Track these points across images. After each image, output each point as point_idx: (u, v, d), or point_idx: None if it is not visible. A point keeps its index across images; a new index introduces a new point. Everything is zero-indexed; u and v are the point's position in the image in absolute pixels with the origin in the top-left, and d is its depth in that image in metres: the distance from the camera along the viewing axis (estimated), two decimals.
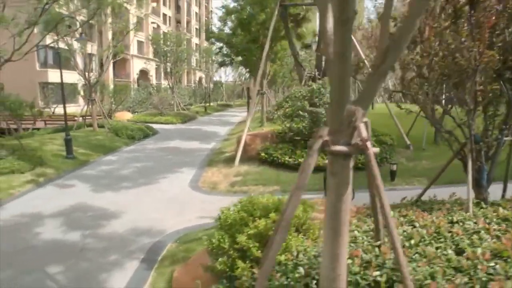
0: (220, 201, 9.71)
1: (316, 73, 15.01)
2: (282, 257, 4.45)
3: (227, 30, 23.36)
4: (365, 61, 15.43)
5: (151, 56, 55.65)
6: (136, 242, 7.12)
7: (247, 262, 4.44)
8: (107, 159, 15.47)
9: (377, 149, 3.55)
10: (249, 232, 4.66)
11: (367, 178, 4.03)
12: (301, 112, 12.32)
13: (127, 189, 11.00)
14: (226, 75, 66.12)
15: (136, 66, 52.99)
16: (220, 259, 4.61)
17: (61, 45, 20.06)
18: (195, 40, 75.37)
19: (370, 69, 5.85)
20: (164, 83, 51.89)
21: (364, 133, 3.53)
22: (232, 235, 4.77)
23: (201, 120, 35.03)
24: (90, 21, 18.50)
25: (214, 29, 24.04)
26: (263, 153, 12.60)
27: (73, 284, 5.58)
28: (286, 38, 16.65)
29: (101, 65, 22.30)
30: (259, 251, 4.51)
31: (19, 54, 12.65)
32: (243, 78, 76.24)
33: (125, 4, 19.49)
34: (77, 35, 18.82)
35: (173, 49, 35.62)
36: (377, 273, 3.75)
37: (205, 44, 75.51)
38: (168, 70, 36.35)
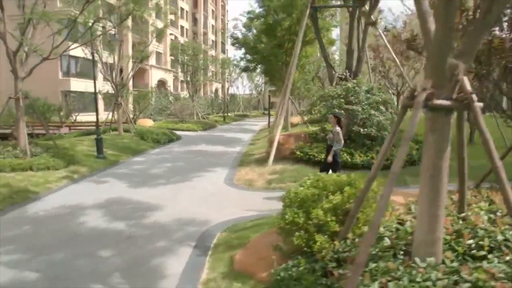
0: (259, 196, 9.57)
1: (347, 74, 14.77)
2: (365, 229, 4.24)
3: (250, 36, 23.36)
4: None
5: (168, 66, 56.52)
6: (183, 231, 6.92)
7: (325, 236, 4.22)
8: (137, 160, 15.40)
9: (481, 104, 3.33)
10: (324, 207, 4.43)
11: (457, 139, 3.81)
12: (337, 110, 12.07)
13: (163, 185, 10.86)
14: (243, 85, 66.12)
15: (154, 76, 53.51)
16: (296, 234, 4.39)
17: (85, 52, 20.32)
18: (211, 52, 76.16)
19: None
20: (182, 93, 52.36)
21: (468, 87, 3.31)
22: (305, 211, 4.55)
23: (221, 128, 34.99)
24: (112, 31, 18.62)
25: (239, 34, 24.01)
26: (298, 151, 12.37)
27: (129, 267, 5.38)
28: (317, 40, 16.49)
29: (121, 72, 22.39)
30: (336, 225, 4.29)
31: (55, 54, 12.71)
32: (260, 90, 76.72)
33: (145, 16, 19.62)
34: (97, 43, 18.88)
35: (193, 58, 35.95)
36: (471, 241, 3.54)
37: (221, 56, 76.65)
38: (188, 79, 36.58)
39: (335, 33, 36.22)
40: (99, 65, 20.48)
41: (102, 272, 5.19)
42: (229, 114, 52.92)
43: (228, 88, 53.26)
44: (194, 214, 7.98)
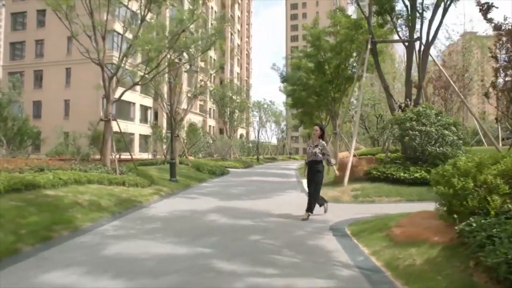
0: (353, 207, 9.93)
1: (408, 102, 15.41)
2: None
3: (300, 73, 24.53)
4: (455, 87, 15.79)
5: (197, 110, 58.51)
6: (310, 226, 7.28)
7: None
8: (206, 185, 15.96)
9: None
10: (492, 173, 4.86)
11: None
12: (410, 132, 12.59)
13: (252, 200, 11.31)
14: (272, 129, 67.27)
15: (185, 119, 55.14)
16: (470, 196, 4.78)
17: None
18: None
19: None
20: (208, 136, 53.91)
21: None
22: (473, 177, 4.98)
23: (259, 167, 35.57)
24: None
25: (283, 72, 25.30)
26: (374, 171, 12.77)
27: (289, 245, 5.78)
28: (377, 72, 17.31)
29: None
30: (506, 187, 4.69)
31: (143, 80, 13.77)
32: (284, 135, 78.11)
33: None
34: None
35: (231, 100, 37.42)
36: None
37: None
38: (227, 119, 37.82)
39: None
40: (160, 102, 21.54)
41: (267, 249, 5.60)
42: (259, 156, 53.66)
43: (259, 132, 54.51)
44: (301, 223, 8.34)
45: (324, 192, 12.47)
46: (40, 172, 9.94)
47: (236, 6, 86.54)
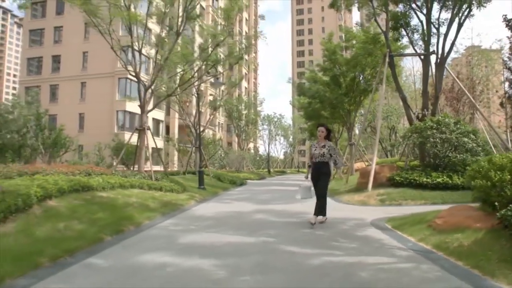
0: (383, 209, 10.48)
1: (425, 112, 16.07)
2: None
3: (315, 86, 25.35)
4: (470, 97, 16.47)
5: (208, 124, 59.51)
6: (351, 222, 7.91)
7: None
8: (232, 193, 16.60)
9: None
10: None
11: None
12: (431, 139, 13.24)
13: (284, 203, 11.91)
14: (281, 143, 67.95)
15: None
16: (508, 187, 5.41)
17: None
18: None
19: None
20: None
21: None
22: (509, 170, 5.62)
23: (272, 178, 36.22)
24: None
25: (306, 84, 26.14)
26: (397, 177, 13.37)
27: (343, 236, 6.41)
28: (395, 84, 17.96)
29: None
30: None
31: (175, 92, 14.60)
32: (292, 149, 78.80)
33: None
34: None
35: (245, 113, 38.28)
36: None
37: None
38: (239, 132, 38.61)
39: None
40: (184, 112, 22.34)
41: (323, 238, 6.24)
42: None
43: (269, 145, 55.28)
44: (343, 216, 8.97)
45: (350, 197, 13.16)
46: (88, 176, 10.65)
47: (244, 21, 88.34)
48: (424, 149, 14.47)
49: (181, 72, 14.65)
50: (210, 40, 14.59)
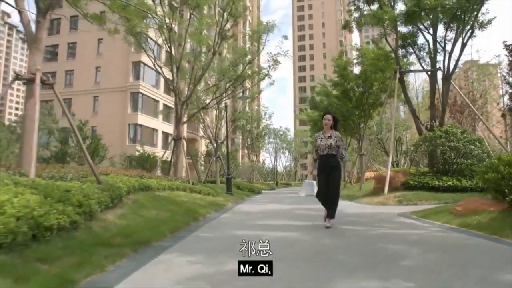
0: (402, 208, 11.88)
1: (433, 123, 17.59)
2: None
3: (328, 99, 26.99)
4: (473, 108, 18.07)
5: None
6: (380, 215, 9.33)
7: None
8: (257, 198, 18.07)
9: None
10: None
11: None
12: (441, 147, 14.73)
13: (311, 205, 13.23)
14: (285, 156, 69.41)
15: (203, 146, 57.58)
16: None
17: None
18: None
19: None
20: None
21: None
22: None
23: (281, 190, 37.54)
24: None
25: (317, 98, 27.78)
26: (411, 181, 14.82)
27: (379, 222, 7.83)
28: (405, 98, 19.51)
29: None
30: None
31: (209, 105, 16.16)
32: (294, 162, 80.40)
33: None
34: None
35: (254, 127, 39.89)
36: None
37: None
38: (249, 143, 40.15)
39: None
40: (201, 125, 23.87)
41: (368, 223, 7.66)
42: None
43: (275, 158, 56.78)
44: (370, 211, 10.39)
45: (370, 199, 14.59)
46: (141, 179, 12.07)
47: (247, 37, 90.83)
48: (434, 156, 15.93)
49: (214, 87, 16.19)
50: (241, 59, 16.20)
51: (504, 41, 16.69)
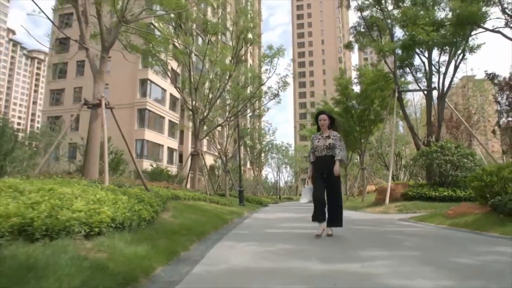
0: (402, 215, 13.26)
1: (430, 139, 19.05)
2: None
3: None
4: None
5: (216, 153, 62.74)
6: (383, 220, 10.69)
7: None
8: (266, 209, 19.33)
9: None
10: (507, 171, 8.37)
11: None
12: (437, 161, 16.15)
13: None
14: (287, 171, 70.76)
15: (207, 161, 58.77)
16: (495, 185, 8.23)
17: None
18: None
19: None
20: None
21: None
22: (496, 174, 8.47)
23: (285, 204, 38.74)
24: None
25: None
26: (410, 192, 16.20)
27: (382, 224, 9.20)
28: (403, 115, 21.01)
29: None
30: None
31: (225, 123, 17.61)
32: (295, 179, 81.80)
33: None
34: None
35: (257, 143, 41.38)
36: None
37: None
38: (254, 159, 41.56)
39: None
40: (216, 142, 25.33)
41: (374, 223, 9.03)
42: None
43: (278, 173, 58.19)
44: (374, 218, 11.74)
45: (372, 209, 15.94)
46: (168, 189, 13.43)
47: (248, 54, 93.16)
48: (430, 169, 17.31)
49: (228, 106, 17.69)
50: (254, 80, 17.76)
51: (485, 71, 18.29)
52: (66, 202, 3.95)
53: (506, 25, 15.07)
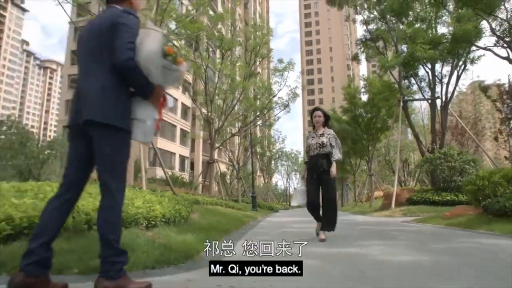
0: (407, 219, 14.16)
1: (435, 146, 19.93)
2: None
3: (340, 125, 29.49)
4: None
5: (227, 160, 63.98)
6: (388, 222, 11.65)
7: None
8: (278, 214, 20.33)
9: None
10: (498, 176, 9.30)
11: None
12: (440, 167, 17.04)
13: None
14: (297, 178, 71.53)
15: (218, 168, 59.83)
16: (487, 189, 9.17)
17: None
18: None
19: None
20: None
21: None
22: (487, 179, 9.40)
23: (294, 210, 39.65)
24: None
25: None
26: (415, 197, 17.10)
27: (389, 225, 10.17)
28: (408, 123, 21.95)
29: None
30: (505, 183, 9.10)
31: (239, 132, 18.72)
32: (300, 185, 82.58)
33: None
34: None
35: (267, 150, 42.43)
36: None
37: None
38: (264, 166, 42.57)
39: None
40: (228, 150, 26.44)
41: (381, 223, 10.01)
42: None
43: (287, 180, 59.22)
44: (380, 221, 12.68)
45: (379, 213, 16.87)
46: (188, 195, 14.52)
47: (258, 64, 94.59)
48: (434, 175, 18.19)
49: (241, 116, 18.81)
50: (266, 92, 18.91)
51: (478, 83, 19.21)
52: (128, 200, 5.04)
53: (495, 45, 16.11)
